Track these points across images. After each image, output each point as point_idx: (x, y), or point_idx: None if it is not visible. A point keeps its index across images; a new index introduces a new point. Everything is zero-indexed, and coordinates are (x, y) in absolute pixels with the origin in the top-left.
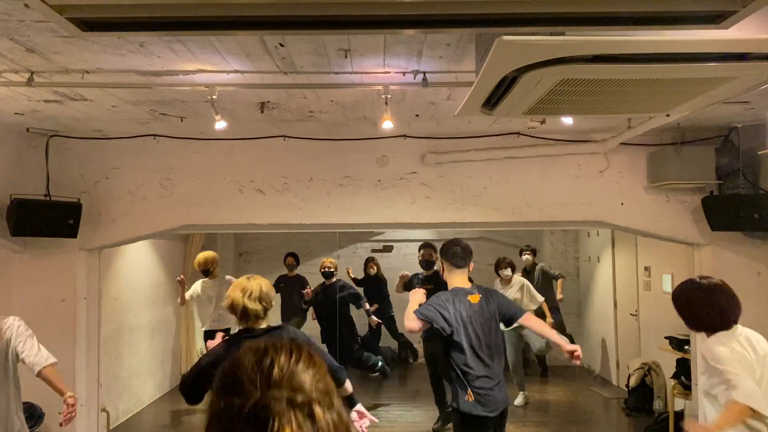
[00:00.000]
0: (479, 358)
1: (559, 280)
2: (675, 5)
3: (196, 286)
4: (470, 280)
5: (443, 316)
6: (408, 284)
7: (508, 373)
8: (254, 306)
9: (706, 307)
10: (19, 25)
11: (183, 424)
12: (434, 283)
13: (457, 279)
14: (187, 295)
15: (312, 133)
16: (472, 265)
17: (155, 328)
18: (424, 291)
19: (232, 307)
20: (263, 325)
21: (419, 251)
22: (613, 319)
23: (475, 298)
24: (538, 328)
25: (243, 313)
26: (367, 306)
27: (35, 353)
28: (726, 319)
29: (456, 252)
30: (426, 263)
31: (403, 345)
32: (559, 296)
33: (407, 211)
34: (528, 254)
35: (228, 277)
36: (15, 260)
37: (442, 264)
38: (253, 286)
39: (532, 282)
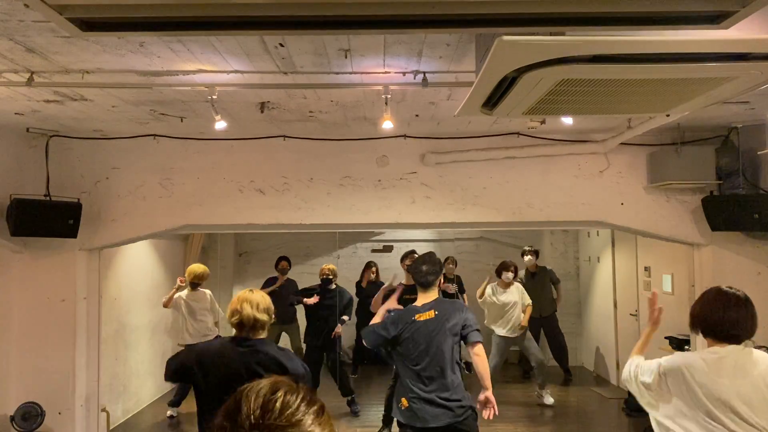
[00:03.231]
0: (418, 374)
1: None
2: (675, 5)
3: (182, 296)
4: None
5: (383, 337)
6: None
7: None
8: (263, 317)
9: (713, 312)
10: (19, 25)
11: (183, 424)
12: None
13: (421, 297)
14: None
15: (312, 133)
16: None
17: (155, 328)
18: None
19: (242, 320)
20: (262, 335)
21: (402, 261)
22: (613, 319)
23: (425, 315)
24: (478, 364)
25: (253, 324)
26: (344, 319)
27: None
28: (724, 330)
29: (420, 270)
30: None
31: None
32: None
33: (407, 211)
34: (530, 255)
35: (208, 291)
36: (15, 260)
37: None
38: (258, 299)
39: (540, 286)
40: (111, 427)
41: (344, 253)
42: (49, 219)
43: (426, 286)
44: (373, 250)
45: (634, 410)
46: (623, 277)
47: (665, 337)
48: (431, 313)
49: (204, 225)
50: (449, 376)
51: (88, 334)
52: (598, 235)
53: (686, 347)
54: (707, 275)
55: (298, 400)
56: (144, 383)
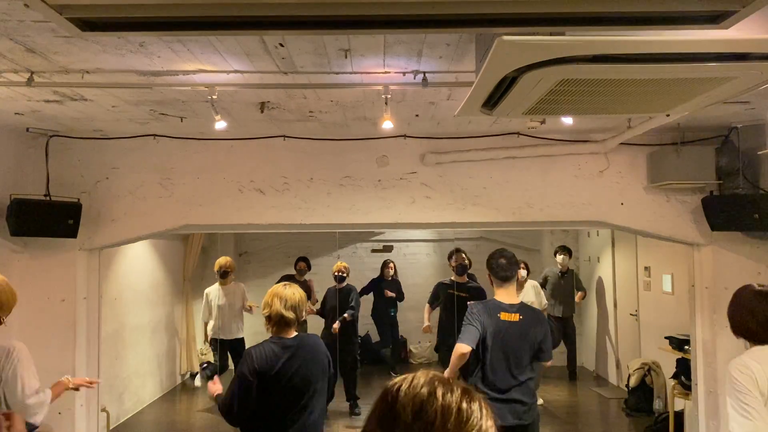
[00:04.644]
0: (497, 371)
1: (579, 293)
2: (675, 5)
3: (209, 294)
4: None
5: (477, 331)
6: (434, 295)
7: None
8: (289, 315)
9: (752, 313)
10: (19, 25)
11: (183, 424)
12: (467, 292)
13: (501, 292)
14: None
15: (312, 133)
16: (519, 272)
17: (155, 328)
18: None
19: (270, 315)
20: (293, 334)
21: (449, 259)
22: (613, 319)
23: (509, 317)
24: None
25: (278, 321)
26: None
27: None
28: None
29: (500, 264)
30: (461, 268)
31: (403, 345)
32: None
33: (407, 211)
34: (564, 255)
35: (241, 284)
36: (15, 260)
37: (489, 276)
38: (288, 295)
39: (567, 286)
40: (111, 427)
41: (344, 253)
42: (49, 219)
43: (507, 280)
44: (373, 250)
45: (634, 410)
46: (623, 277)
47: (665, 337)
48: (516, 317)
49: (204, 225)
50: (525, 381)
51: (88, 334)
52: (598, 235)
53: (686, 347)
54: (707, 275)
55: (457, 398)
56: (144, 383)
